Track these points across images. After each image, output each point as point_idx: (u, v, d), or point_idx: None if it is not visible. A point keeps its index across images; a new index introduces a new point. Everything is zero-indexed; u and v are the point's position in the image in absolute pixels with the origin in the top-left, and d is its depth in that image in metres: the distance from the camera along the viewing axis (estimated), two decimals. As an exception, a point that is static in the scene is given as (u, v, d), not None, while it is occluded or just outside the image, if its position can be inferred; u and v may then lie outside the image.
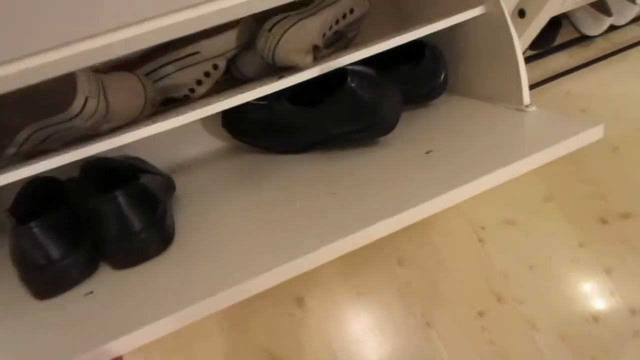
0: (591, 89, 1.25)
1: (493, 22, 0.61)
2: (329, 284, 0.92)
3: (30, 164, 0.50)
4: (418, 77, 0.68)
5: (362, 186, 0.57)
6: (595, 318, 0.93)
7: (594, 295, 0.96)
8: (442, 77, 0.69)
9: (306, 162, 0.67)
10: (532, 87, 1.11)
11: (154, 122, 0.53)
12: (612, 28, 1.19)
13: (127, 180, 0.55)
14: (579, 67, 1.20)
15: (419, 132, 0.66)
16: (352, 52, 0.57)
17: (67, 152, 0.51)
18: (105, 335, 0.43)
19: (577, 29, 1.17)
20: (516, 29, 0.59)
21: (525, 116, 0.61)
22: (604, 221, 1.05)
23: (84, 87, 0.52)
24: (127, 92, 0.57)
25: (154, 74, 0.61)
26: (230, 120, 0.70)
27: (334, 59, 0.57)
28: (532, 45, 1.12)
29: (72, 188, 0.58)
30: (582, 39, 1.20)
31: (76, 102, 0.52)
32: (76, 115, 0.53)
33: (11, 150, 0.57)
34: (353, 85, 0.58)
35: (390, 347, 0.88)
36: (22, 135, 0.56)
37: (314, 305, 0.90)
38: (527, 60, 1.14)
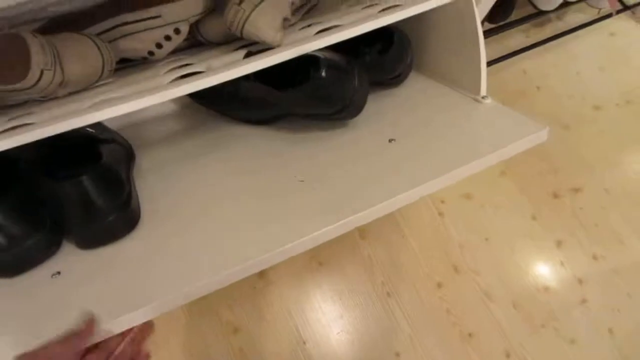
0: (546, 67, 1.28)
1: (460, 10, 0.61)
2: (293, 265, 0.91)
3: None
4: (386, 62, 0.67)
5: (328, 175, 0.56)
6: (546, 288, 0.97)
7: (545, 266, 1.00)
8: (408, 62, 0.69)
9: (268, 136, 0.65)
10: (490, 63, 1.13)
11: (123, 101, 0.49)
12: (565, 4, 1.22)
13: (84, 150, 0.51)
14: (535, 45, 1.23)
15: (382, 117, 0.66)
16: (324, 36, 0.55)
17: (31, 131, 0.46)
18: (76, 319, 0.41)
19: (532, 4, 1.19)
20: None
21: (481, 108, 0.63)
22: (555, 195, 1.09)
23: (38, 59, 0.47)
24: (83, 58, 0.52)
25: (110, 33, 0.56)
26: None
27: (305, 43, 0.54)
28: (490, 18, 1.14)
29: (24, 160, 0.54)
30: (538, 14, 1.22)
31: (30, 75, 0.48)
32: (30, 87, 0.49)
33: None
34: (323, 73, 0.57)
35: (351, 316, 0.89)
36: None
37: (275, 276, 0.89)
38: (486, 34, 1.15)
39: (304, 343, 0.85)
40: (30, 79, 0.48)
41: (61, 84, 0.52)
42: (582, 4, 1.31)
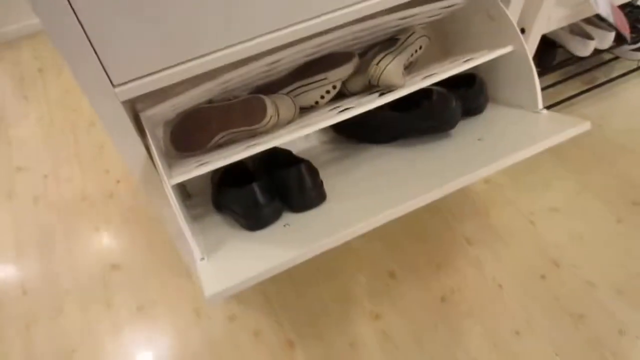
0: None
1: (519, 57, 0.92)
2: (414, 260, 1.15)
3: (236, 153, 0.80)
4: (470, 97, 0.98)
5: (438, 163, 0.86)
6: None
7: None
8: (485, 94, 0.99)
9: (395, 150, 0.95)
10: (548, 107, 1.40)
11: (310, 126, 0.82)
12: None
13: (288, 159, 0.84)
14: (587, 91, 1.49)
15: (473, 129, 0.95)
16: (430, 78, 0.87)
17: (255, 146, 0.80)
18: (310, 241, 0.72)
19: (568, 51, 1.46)
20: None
21: (540, 116, 0.91)
22: (635, 203, 1.26)
23: (270, 110, 0.83)
24: (287, 108, 0.88)
25: (295, 92, 0.92)
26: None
27: (420, 82, 0.87)
28: (537, 64, 1.42)
29: (254, 168, 0.89)
30: (576, 59, 1.48)
31: (265, 120, 0.83)
32: (262, 126, 0.84)
33: (209, 145, 0.87)
34: (435, 97, 0.89)
35: (466, 298, 1.08)
36: (220, 135, 0.86)
37: (402, 275, 1.12)
38: (544, 89, 1.43)
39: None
40: (264, 122, 0.83)
41: (275, 124, 0.87)
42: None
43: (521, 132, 0.87)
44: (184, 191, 0.98)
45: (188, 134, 0.89)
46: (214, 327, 1.07)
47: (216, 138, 0.88)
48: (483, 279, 1.12)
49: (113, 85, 0.67)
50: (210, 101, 0.92)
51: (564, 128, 0.84)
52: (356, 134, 1.02)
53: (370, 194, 0.82)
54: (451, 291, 1.11)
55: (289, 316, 1.06)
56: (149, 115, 0.79)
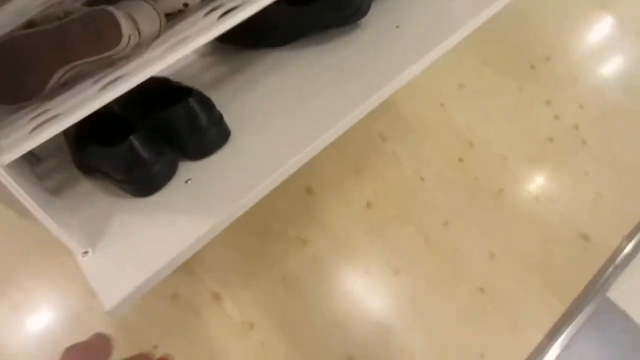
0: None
1: None
2: (331, 171, 1.04)
3: (93, 97, 0.56)
4: None
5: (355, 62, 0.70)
6: (550, 138, 1.13)
7: (541, 122, 1.16)
8: None
9: (298, 54, 0.77)
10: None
11: (187, 42, 0.59)
12: None
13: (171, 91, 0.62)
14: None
15: (386, 15, 0.78)
16: None
17: (116, 84, 0.56)
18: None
19: None
20: None
21: None
22: (532, 67, 1.24)
23: (126, 27, 0.58)
24: (149, 20, 0.62)
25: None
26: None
27: None
28: None
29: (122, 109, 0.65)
30: None
31: (122, 43, 0.58)
32: (118, 52, 0.59)
33: (47, 89, 0.61)
34: None
35: (391, 200, 1.02)
36: (59, 73, 0.60)
37: (321, 191, 1.02)
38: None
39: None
40: (121, 46, 0.59)
41: (137, 45, 0.63)
42: None
43: (440, 12, 0.74)
44: (29, 155, 0.72)
45: (11, 78, 0.61)
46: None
47: (55, 77, 0.61)
48: (403, 176, 1.06)
49: None
50: (29, 25, 0.64)
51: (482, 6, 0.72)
52: (245, 39, 0.80)
53: (283, 118, 0.66)
54: (375, 195, 1.03)
55: (208, 269, 0.91)
56: None
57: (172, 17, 0.73)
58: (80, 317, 0.85)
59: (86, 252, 0.54)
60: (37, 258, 0.87)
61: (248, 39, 0.80)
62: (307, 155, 0.60)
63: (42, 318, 0.85)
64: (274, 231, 0.96)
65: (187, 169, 0.62)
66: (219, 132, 0.63)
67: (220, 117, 0.63)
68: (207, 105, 0.61)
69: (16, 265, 0.88)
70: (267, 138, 0.64)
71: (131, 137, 0.56)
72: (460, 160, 1.09)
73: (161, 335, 0.85)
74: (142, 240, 0.54)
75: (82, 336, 0.33)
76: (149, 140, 0.58)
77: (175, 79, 0.73)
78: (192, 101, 0.59)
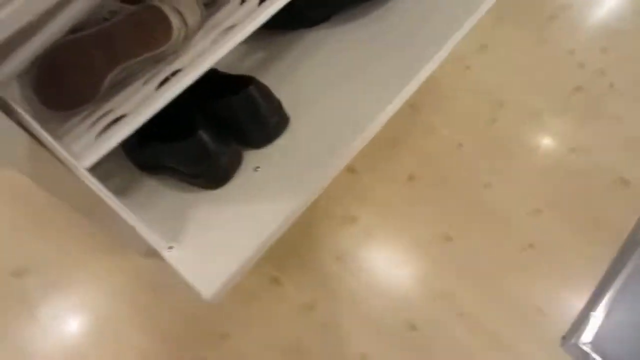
0: None
1: None
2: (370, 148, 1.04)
3: (156, 96, 0.56)
4: None
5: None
6: (579, 87, 1.12)
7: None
8: None
9: (338, 32, 0.76)
10: None
11: (231, 32, 0.59)
12: None
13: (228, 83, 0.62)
14: None
15: None
16: None
17: (174, 80, 0.56)
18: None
19: None
20: None
21: None
22: (552, 17, 1.23)
23: (175, 21, 0.58)
24: (191, 10, 0.62)
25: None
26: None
27: None
28: None
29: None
30: None
31: (172, 37, 0.58)
32: (170, 47, 0.59)
33: (102, 91, 0.62)
34: None
35: (432, 170, 1.03)
36: (113, 74, 0.61)
37: (363, 168, 1.02)
38: None
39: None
40: (173, 40, 0.59)
41: (185, 38, 0.63)
42: None
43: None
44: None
45: (65, 84, 0.61)
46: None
47: (108, 79, 0.62)
48: (441, 144, 1.06)
49: None
50: (74, 30, 0.64)
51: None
52: (278, 21, 0.80)
53: (338, 99, 0.66)
54: (415, 166, 1.04)
55: (264, 254, 0.92)
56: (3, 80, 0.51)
57: (208, 7, 0.73)
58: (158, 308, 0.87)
59: (171, 247, 0.55)
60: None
61: (279, 21, 0.79)
62: (370, 132, 0.60)
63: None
64: (322, 211, 0.97)
65: (251, 158, 0.62)
66: (280, 119, 0.63)
67: (280, 103, 0.63)
68: (267, 93, 0.61)
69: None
70: (323, 119, 0.64)
71: (200, 132, 0.57)
72: (494, 120, 1.09)
73: (228, 322, 0.87)
74: (226, 231, 0.55)
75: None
76: (214, 133, 0.58)
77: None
78: (252, 90, 0.59)
